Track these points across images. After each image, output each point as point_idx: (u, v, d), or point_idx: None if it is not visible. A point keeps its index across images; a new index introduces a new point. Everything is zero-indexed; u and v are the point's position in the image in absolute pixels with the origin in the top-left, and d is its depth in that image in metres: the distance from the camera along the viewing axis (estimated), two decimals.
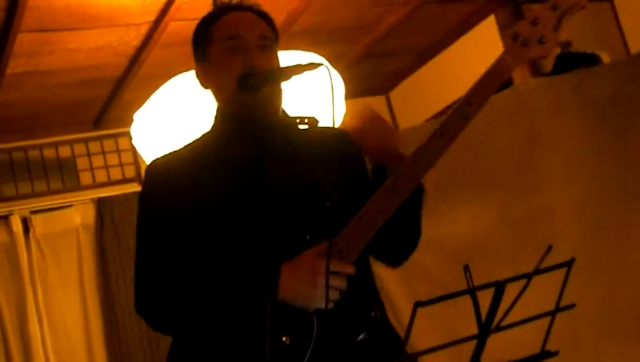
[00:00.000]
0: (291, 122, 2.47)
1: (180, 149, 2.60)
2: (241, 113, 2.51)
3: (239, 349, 2.31)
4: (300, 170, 2.44)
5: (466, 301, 3.38)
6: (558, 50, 2.43)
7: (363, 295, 2.44)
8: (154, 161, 2.58)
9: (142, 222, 2.52)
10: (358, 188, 2.47)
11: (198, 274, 2.38)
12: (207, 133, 2.63)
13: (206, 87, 2.64)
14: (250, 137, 2.49)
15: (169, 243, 2.42)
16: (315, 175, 2.33)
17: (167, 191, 2.45)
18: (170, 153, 2.59)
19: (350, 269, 2.29)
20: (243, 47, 2.49)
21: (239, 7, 2.57)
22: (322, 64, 2.29)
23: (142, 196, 2.56)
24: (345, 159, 2.52)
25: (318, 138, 2.49)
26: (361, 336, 2.34)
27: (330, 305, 2.26)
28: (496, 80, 2.33)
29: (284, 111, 2.57)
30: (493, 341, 3.02)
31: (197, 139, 2.62)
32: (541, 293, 3.14)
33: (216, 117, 2.63)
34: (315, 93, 3.62)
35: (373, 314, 2.37)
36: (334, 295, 2.26)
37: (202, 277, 2.37)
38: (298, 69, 2.35)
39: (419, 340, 4.11)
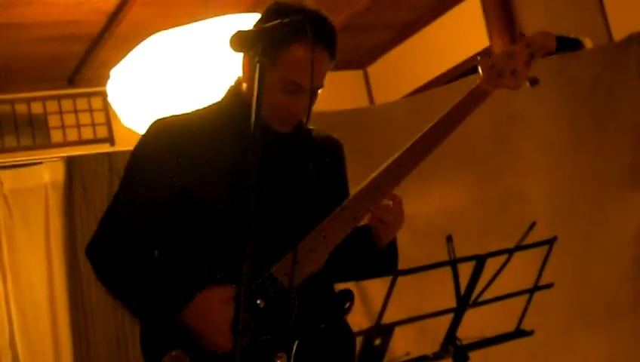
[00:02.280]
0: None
1: (186, 116, 2.59)
2: (271, 118, 2.50)
3: None
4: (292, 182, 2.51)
5: (431, 281, 3.37)
6: (527, 85, 2.61)
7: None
8: (161, 120, 2.57)
9: (130, 174, 2.55)
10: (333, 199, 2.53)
11: (150, 251, 2.47)
12: (217, 107, 2.61)
13: (244, 79, 2.58)
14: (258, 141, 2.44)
15: (145, 208, 2.47)
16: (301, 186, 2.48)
17: (163, 159, 2.47)
18: (176, 117, 2.58)
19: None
20: (296, 91, 2.48)
21: (316, 32, 2.41)
22: (304, 20, 2.33)
23: (140, 149, 2.56)
24: (330, 168, 2.62)
25: (314, 145, 2.61)
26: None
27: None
28: (474, 102, 2.57)
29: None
30: (466, 317, 3.02)
31: (205, 110, 2.61)
32: (515, 275, 3.14)
33: (231, 95, 2.61)
34: None
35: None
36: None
37: (150, 257, 2.47)
38: (281, 26, 2.33)
39: (384, 319, 4.12)
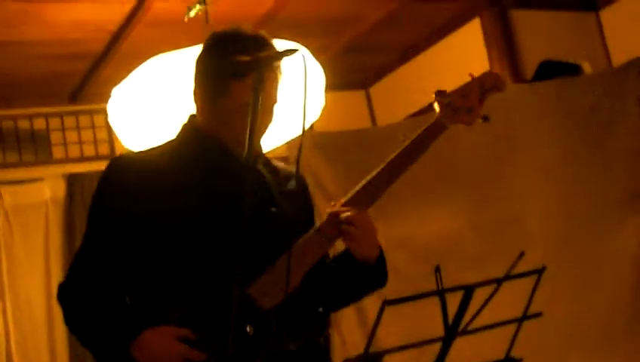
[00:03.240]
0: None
1: (147, 152, 2.63)
2: (220, 147, 2.57)
3: None
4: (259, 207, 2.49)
5: (432, 302, 3.38)
6: (480, 121, 2.75)
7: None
8: (119, 157, 2.62)
9: (94, 216, 2.57)
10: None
11: (117, 292, 2.49)
12: (176, 143, 2.64)
13: (196, 102, 2.64)
14: (221, 168, 2.55)
15: (112, 248, 2.50)
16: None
17: (126, 195, 2.49)
18: (136, 153, 2.64)
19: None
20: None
21: (265, 60, 2.42)
22: (298, 50, 2.33)
23: (101, 190, 2.58)
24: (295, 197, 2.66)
25: (280, 176, 2.67)
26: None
27: None
28: (432, 136, 2.71)
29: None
30: (458, 345, 3.03)
31: (164, 147, 2.64)
32: (508, 301, 3.15)
33: (188, 130, 2.65)
34: (295, 85, 3.60)
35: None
36: None
37: (112, 299, 2.48)
38: (277, 55, 2.41)
39: (382, 340, 4.12)
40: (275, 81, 2.54)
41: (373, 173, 2.63)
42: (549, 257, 4.64)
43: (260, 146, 2.64)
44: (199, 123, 2.62)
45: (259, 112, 2.27)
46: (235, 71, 2.43)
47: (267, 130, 2.61)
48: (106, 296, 2.47)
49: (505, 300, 3.21)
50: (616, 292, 4.77)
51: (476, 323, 2.83)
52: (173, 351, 2.34)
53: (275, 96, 2.58)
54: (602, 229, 4.82)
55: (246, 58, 2.39)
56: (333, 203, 2.60)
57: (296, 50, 2.32)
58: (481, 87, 2.75)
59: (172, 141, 2.66)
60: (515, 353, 3.18)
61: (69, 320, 2.52)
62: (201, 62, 2.62)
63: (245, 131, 2.32)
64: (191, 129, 2.64)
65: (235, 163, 2.51)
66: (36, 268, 6.15)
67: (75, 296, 2.50)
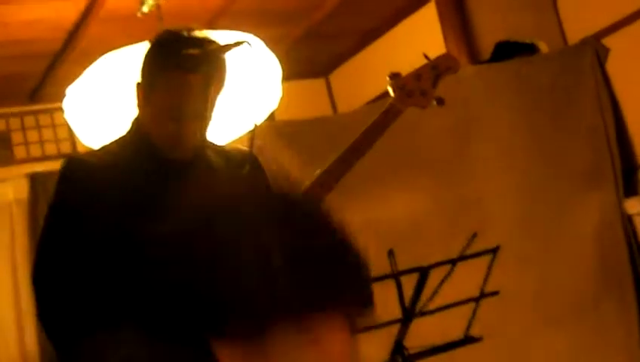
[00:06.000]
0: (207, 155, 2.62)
1: (97, 152, 2.66)
2: (164, 146, 2.59)
3: None
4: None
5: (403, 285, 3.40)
6: (434, 103, 2.77)
7: None
8: (71, 161, 2.63)
9: (53, 227, 2.55)
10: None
11: (102, 298, 2.42)
12: (124, 142, 2.67)
13: (139, 106, 2.67)
14: (165, 168, 2.57)
15: (79, 257, 2.46)
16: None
17: (84, 201, 2.49)
18: (86, 155, 2.67)
19: None
20: (179, 117, 2.55)
21: (190, 60, 2.49)
22: (246, 42, 2.36)
23: (58, 197, 2.58)
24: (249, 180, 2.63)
25: (233, 162, 2.68)
26: None
27: None
28: (388, 120, 2.75)
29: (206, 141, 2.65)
30: (423, 325, 3.06)
31: (111, 147, 2.66)
32: (473, 280, 3.19)
33: (130, 128, 2.69)
34: (248, 76, 3.62)
35: None
36: None
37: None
38: (225, 48, 2.44)
39: None
40: (190, 87, 2.51)
41: (330, 160, 2.67)
42: (513, 235, 4.70)
43: (205, 137, 2.65)
44: (140, 118, 2.66)
45: (209, 104, 2.30)
46: (184, 64, 2.44)
47: (211, 123, 2.61)
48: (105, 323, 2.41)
49: (471, 280, 3.25)
50: (581, 267, 4.82)
51: (439, 304, 2.88)
52: None
53: (200, 103, 2.56)
54: (564, 205, 4.86)
55: (196, 51, 2.41)
56: None
57: (244, 42, 2.34)
58: (434, 69, 2.79)
59: (122, 138, 2.68)
60: (483, 331, 3.23)
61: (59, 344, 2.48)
62: (146, 57, 2.64)
63: (170, 131, 2.46)
64: (134, 126, 2.68)
65: (169, 165, 2.56)
66: (3, 270, 6.13)
67: (67, 323, 2.45)
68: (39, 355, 6.02)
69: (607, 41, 5.25)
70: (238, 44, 2.36)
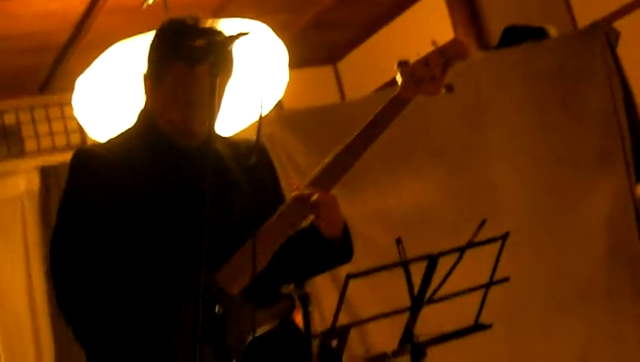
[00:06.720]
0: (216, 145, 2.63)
1: (106, 145, 2.67)
2: (173, 134, 2.62)
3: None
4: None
5: (412, 273, 3.39)
6: (443, 91, 2.72)
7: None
8: (80, 152, 2.65)
9: (67, 218, 2.57)
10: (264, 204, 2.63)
11: (118, 281, 2.48)
12: (131, 133, 2.69)
13: (147, 96, 2.69)
14: (177, 157, 2.61)
15: (94, 243, 2.50)
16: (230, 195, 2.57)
17: (95, 189, 2.54)
18: (97, 147, 2.69)
19: None
20: (188, 106, 2.57)
21: (196, 52, 2.45)
22: (249, 32, 2.35)
23: (70, 188, 2.61)
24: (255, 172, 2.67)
25: (237, 155, 2.70)
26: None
27: None
28: (396, 109, 2.69)
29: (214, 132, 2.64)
30: (435, 312, 3.05)
31: (121, 138, 2.68)
32: (484, 268, 3.17)
33: (139, 118, 2.71)
34: (256, 63, 3.62)
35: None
36: None
37: (121, 285, 2.48)
38: (231, 39, 2.40)
39: (363, 309, 4.15)
40: (198, 78, 2.51)
41: (337, 150, 2.64)
42: (526, 221, 4.68)
43: (214, 127, 2.62)
44: (148, 108, 2.67)
45: (216, 94, 2.30)
46: (190, 56, 2.44)
47: (220, 114, 2.61)
48: (116, 300, 2.47)
49: (482, 268, 3.24)
50: (593, 253, 4.80)
51: (450, 291, 2.86)
52: None
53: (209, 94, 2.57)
54: (575, 190, 4.84)
55: (202, 42, 2.41)
56: (295, 186, 2.62)
57: (248, 32, 2.34)
58: (443, 56, 2.70)
59: (130, 129, 2.70)
60: (496, 318, 3.22)
61: (81, 330, 2.50)
62: (152, 48, 2.66)
63: (179, 120, 2.49)
64: (142, 116, 2.69)
65: (173, 151, 2.59)
66: (16, 262, 6.15)
67: (87, 307, 2.48)
68: (54, 345, 6.05)
69: (618, 25, 5.21)
70: (243, 34, 2.34)
